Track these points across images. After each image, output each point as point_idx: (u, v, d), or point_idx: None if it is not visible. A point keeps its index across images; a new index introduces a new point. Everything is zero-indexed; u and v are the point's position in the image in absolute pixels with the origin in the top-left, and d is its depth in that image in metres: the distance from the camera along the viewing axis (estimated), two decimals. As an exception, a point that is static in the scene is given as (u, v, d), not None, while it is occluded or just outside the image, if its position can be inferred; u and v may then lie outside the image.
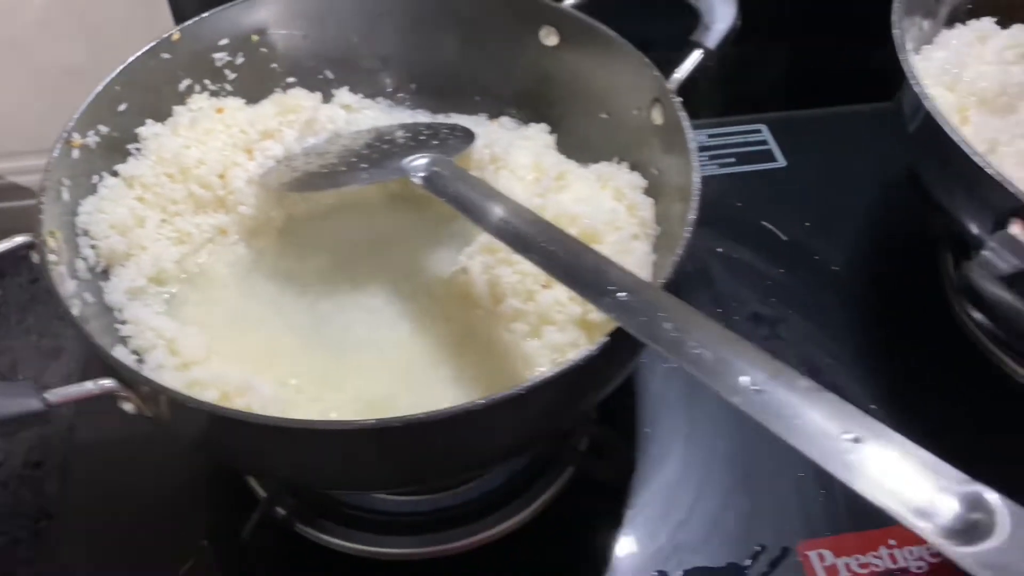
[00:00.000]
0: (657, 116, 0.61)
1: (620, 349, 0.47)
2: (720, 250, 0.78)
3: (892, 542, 0.60)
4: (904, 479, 0.35)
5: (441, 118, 0.72)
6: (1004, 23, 0.73)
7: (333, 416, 0.54)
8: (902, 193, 0.81)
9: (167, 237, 0.60)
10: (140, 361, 0.54)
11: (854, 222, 0.81)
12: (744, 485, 0.63)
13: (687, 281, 0.75)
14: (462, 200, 0.56)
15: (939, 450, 0.36)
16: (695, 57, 0.60)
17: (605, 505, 0.63)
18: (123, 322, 0.56)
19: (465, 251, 0.60)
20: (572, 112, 0.68)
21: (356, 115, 0.70)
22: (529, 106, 0.71)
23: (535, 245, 0.51)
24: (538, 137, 0.68)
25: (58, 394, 0.43)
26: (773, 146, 0.88)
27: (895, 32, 0.62)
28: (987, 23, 0.72)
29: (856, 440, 0.37)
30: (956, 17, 0.73)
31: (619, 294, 0.46)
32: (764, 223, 0.80)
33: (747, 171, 0.85)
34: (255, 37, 0.67)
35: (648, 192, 0.62)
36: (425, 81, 0.72)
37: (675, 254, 0.50)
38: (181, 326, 0.56)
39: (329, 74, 0.71)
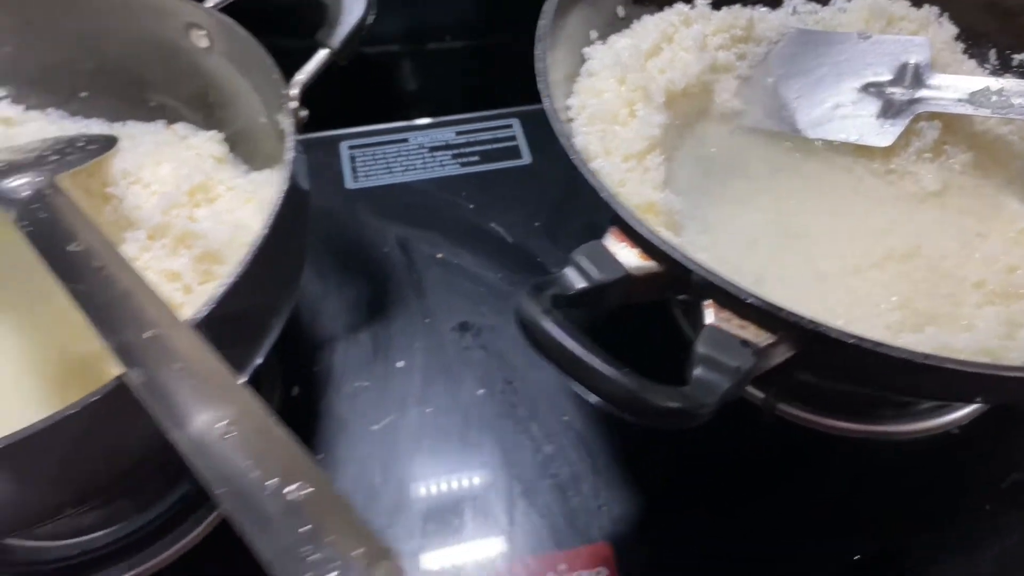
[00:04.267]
0: (286, 123, 0.56)
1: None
2: (440, 256, 0.74)
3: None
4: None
5: (118, 127, 0.68)
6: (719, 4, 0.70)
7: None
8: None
9: None
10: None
11: (585, 221, 0.77)
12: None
13: (399, 291, 0.71)
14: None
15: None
16: (320, 57, 0.56)
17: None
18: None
19: None
20: (237, 117, 0.64)
21: (18, 129, 0.65)
22: (202, 111, 0.66)
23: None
24: (205, 146, 0.64)
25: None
26: (522, 142, 0.84)
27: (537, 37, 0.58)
28: (701, 6, 0.68)
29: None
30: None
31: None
32: (493, 225, 0.76)
33: (489, 170, 0.81)
34: None
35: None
36: (95, 87, 0.68)
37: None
38: None
39: (-14, 85, 0.66)
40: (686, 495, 0.60)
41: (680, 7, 0.68)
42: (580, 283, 0.45)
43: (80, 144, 0.60)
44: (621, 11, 0.67)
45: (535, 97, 0.86)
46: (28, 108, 0.67)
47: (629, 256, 0.47)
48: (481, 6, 0.83)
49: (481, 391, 0.65)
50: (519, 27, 0.61)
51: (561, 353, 0.41)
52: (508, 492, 0.59)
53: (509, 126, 0.85)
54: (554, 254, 0.74)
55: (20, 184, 0.54)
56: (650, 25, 0.67)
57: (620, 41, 0.65)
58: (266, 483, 0.33)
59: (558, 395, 0.64)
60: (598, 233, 0.48)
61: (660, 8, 0.68)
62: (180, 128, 0.67)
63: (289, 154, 0.51)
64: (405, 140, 0.84)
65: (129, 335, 0.41)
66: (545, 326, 0.41)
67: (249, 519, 0.32)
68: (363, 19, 0.56)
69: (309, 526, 0.31)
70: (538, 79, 0.56)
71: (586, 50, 0.64)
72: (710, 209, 0.60)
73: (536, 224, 0.76)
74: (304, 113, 0.57)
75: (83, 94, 0.68)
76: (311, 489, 0.33)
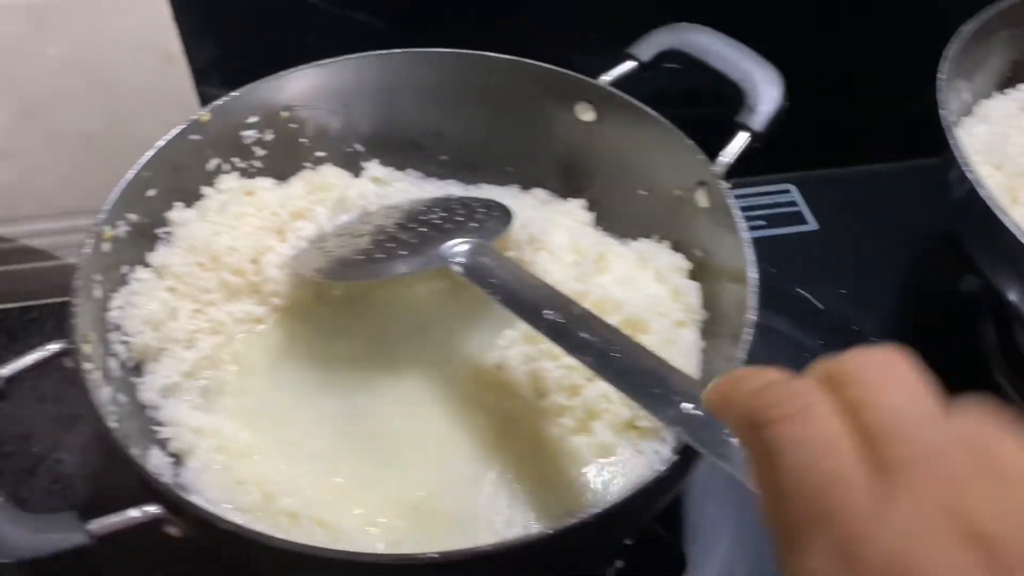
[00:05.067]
0: (702, 199, 0.59)
1: (687, 463, 0.45)
2: (757, 319, 0.77)
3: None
4: None
5: (472, 190, 0.71)
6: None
7: (381, 521, 0.52)
8: (938, 257, 0.80)
9: (200, 328, 0.58)
10: (178, 463, 0.52)
11: (890, 288, 0.79)
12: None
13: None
14: (506, 293, 0.54)
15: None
16: (741, 140, 0.59)
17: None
18: (158, 423, 0.54)
19: (503, 336, 0.59)
20: (609, 187, 0.67)
21: (386, 188, 0.68)
22: (564, 179, 0.69)
23: (588, 345, 0.49)
24: (575, 213, 0.67)
25: (103, 524, 0.41)
26: (803, 207, 0.86)
27: (942, 112, 0.61)
28: (1028, 91, 0.71)
29: None
30: (996, 83, 0.72)
31: (684, 405, 0.44)
32: (799, 290, 0.79)
33: (777, 234, 0.84)
34: (284, 113, 0.65)
35: (693, 275, 0.61)
36: (456, 152, 0.71)
37: (735, 358, 0.48)
38: (221, 422, 0.54)
39: (359, 147, 0.69)
40: None
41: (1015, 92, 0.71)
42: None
43: (481, 210, 0.63)
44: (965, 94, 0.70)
45: (812, 162, 0.91)
46: (394, 168, 0.70)
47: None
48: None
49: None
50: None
51: None
52: None
53: (787, 191, 0.88)
54: (869, 322, 0.76)
55: (464, 250, 0.57)
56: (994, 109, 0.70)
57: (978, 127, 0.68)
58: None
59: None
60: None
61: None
62: (539, 194, 0.70)
63: (744, 234, 0.54)
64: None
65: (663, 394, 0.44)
66: None
67: None
68: (781, 103, 0.59)
69: None
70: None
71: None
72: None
73: (842, 291, 0.79)
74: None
75: (443, 157, 0.71)
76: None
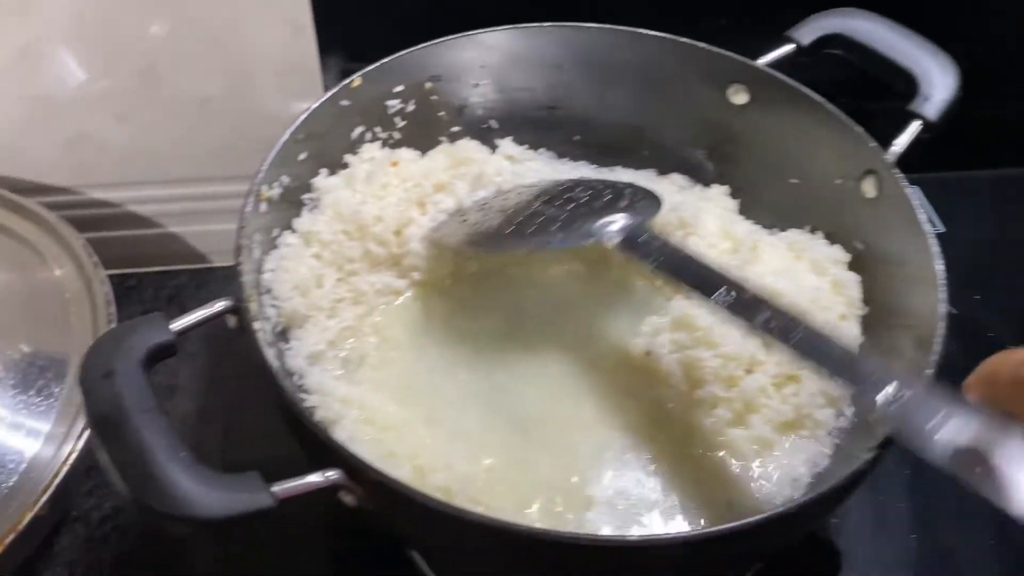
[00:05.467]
0: (870, 188, 0.57)
1: (877, 459, 0.43)
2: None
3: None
4: None
5: (606, 173, 0.69)
6: None
7: (535, 506, 0.50)
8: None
9: (343, 297, 0.57)
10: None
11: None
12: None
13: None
14: (673, 269, 0.52)
15: None
16: (913, 129, 0.57)
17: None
18: (305, 390, 0.52)
19: (647, 323, 0.57)
20: (755, 174, 0.65)
21: (519, 167, 0.67)
22: (705, 165, 0.67)
23: (769, 323, 0.47)
24: (720, 200, 0.65)
25: (286, 488, 0.39)
26: (928, 210, 0.83)
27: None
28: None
29: None
30: None
31: (887, 389, 0.42)
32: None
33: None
34: (429, 84, 0.64)
35: (851, 267, 0.58)
36: (592, 133, 0.69)
37: (932, 352, 0.46)
38: (366, 393, 0.53)
39: (494, 124, 0.68)
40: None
41: None
42: None
43: (627, 191, 0.61)
44: None
45: (936, 164, 0.88)
46: (528, 147, 0.68)
47: None
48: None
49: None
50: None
51: None
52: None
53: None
54: (1005, 330, 0.73)
55: (620, 226, 0.55)
56: None
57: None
58: None
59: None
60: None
61: None
62: (677, 179, 0.67)
63: (926, 226, 0.52)
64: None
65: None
66: None
67: None
68: (958, 92, 0.56)
69: None
70: None
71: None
72: None
73: (976, 297, 0.76)
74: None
75: (576, 137, 0.69)
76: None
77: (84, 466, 0.58)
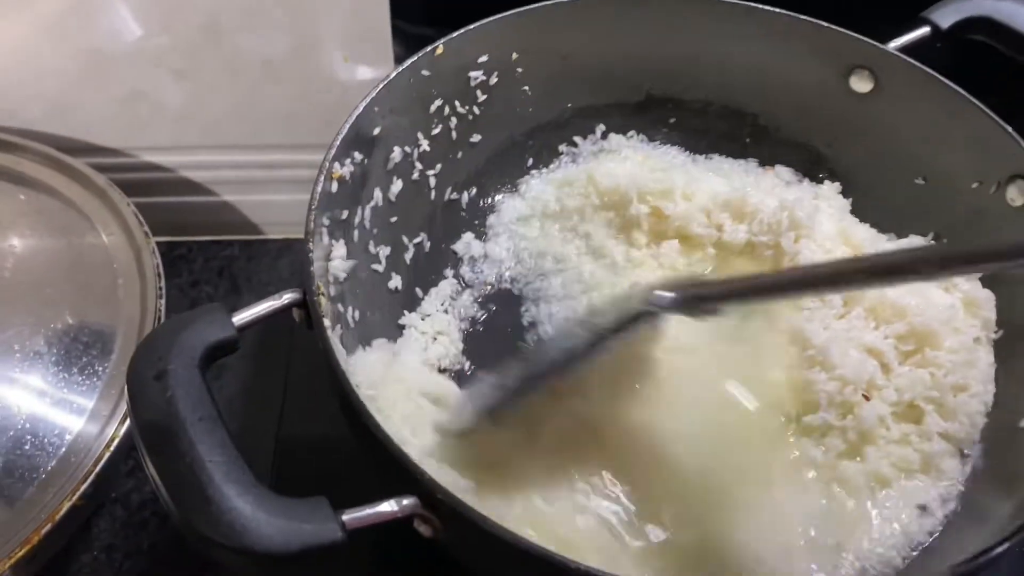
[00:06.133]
0: (1016, 196, 0.50)
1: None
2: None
3: None
4: None
5: (700, 160, 0.62)
6: None
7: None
8: None
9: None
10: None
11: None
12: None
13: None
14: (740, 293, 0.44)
15: None
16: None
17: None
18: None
19: None
20: (872, 172, 0.58)
21: (611, 153, 0.61)
22: (814, 158, 0.60)
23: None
24: (831, 198, 0.58)
25: (356, 517, 0.34)
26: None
27: None
28: None
29: None
30: None
31: None
32: None
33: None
34: (515, 55, 0.58)
35: (984, 283, 0.52)
36: (686, 117, 0.63)
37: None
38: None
39: (577, 103, 0.61)
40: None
41: None
42: None
43: None
44: None
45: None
46: (615, 132, 0.62)
47: None
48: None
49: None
50: None
51: None
52: None
53: None
54: None
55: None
56: None
57: None
58: None
59: None
60: None
61: None
62: (782, 172, 0.61)
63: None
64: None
65: None
66: None
67: None
68: None
69: None
70: None
71: None
72: None
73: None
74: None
75: (672, 120, 0.63)
76: None
77: (126, 447, 0.54)
